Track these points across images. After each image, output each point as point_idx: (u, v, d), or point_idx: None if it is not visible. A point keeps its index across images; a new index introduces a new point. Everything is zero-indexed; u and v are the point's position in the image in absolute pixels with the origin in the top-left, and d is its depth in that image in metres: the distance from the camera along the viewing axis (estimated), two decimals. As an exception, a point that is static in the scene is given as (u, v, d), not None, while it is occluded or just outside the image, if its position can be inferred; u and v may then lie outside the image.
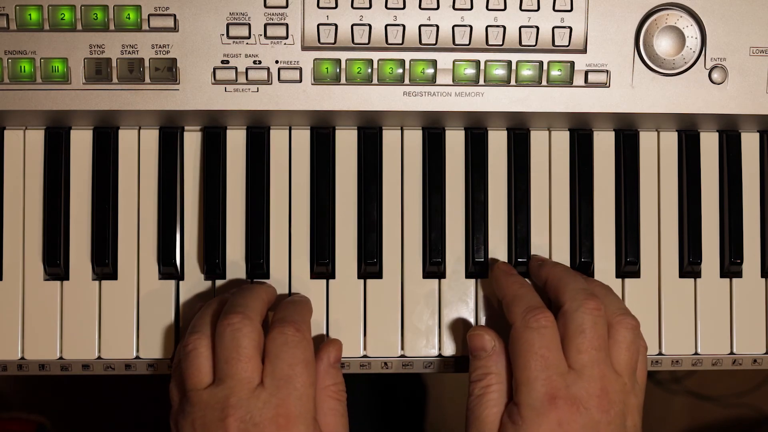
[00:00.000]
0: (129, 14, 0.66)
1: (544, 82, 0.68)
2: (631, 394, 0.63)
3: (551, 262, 0.69)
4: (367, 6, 0.67)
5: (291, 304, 0.66)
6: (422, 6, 0.67)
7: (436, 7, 0.67)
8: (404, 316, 0.71)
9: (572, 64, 0.68)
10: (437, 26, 0.67)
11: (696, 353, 0.72)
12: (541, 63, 0.67)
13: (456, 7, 0.67)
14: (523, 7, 0.67)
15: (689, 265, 0.71)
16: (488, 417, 0.62)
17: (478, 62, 0.67)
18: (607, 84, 0.68)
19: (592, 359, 0.61)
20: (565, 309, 0.63)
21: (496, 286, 0.69)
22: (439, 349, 0.71)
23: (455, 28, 0.67)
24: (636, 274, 0.72)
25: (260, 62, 0.67)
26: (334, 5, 0.67)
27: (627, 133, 0.72)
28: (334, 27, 0.67)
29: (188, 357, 0.62)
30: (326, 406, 0.63)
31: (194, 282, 0.70)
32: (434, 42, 0.67)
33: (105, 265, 0.69)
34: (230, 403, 0.59)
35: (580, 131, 0.72)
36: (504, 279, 0.68)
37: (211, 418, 0.59)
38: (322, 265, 0.70)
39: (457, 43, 0.67)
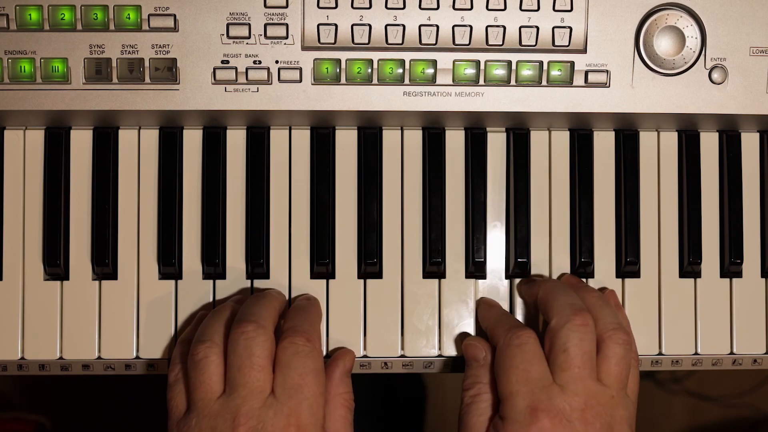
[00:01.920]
0: (129, 14, 0.66)
1: (544, 82, 0.68)
2: (620, 406, 0.62)
3: (541, 281, 0.69)
4: (367, 6, 0.67)
5: (301, 312, 0.66)
6: (422, 6, 0.67)
7: (436, 7, 0.67)
8: (404, 316, 0.71)
9: (572, 64, 0.68)
10: (437, 26, 0.67)
11: (696, 353, 0.72)
12: (541, 63, 0.67)
13: (456, 7, 0.67)
14: (523, 7, 0.67)
15: (689, 265, 0.71)
16: (476, 425, 0.64)
17: (478, 62, 0.67)
18: (607, 84, 0.68)
19: (575, 376, 0.62)
20: (552, 325, 0.64)
21: (480, 318, 0.70)
22: (439, 349, 0.71)
23: (455, 28, 0.67)
24: (636, 274, 0.72)
25: (260, 62, 0.67)
26: (334, 5, 0.67)
27: (627, 133, 0.72)
28: (334, 27, 0.67)
29: (198, 365, 0.61)
30: (337, 413, 0.64)
31: (194, 282, 0.70)
32: (434, 42, 0.67)
33: (105, 265, 0.69)
34: (242, 412, 0.59)
35: (580, 131, 0.72)
36: (487, 310, 0.70)
37: (221, 429, 0.59)
38: (322, 265, 0.70)
39: (457, 43, 0.67)
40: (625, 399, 0.63)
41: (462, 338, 0.70)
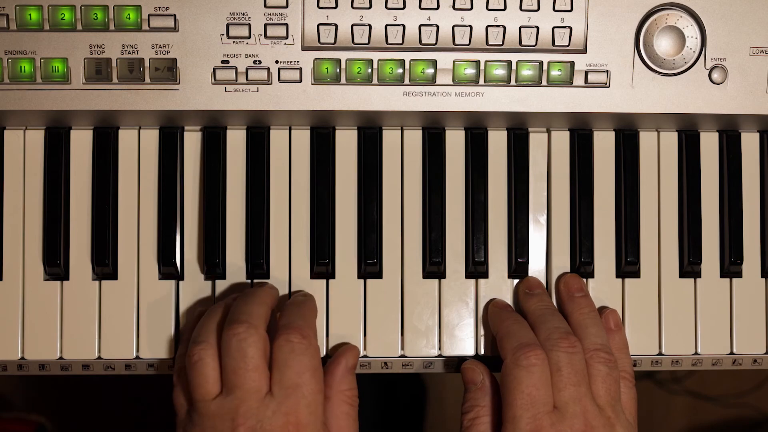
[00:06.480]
0: (129, 14, 0.66)
1: (544, 82, 0.68)
2: (617, 425, 0.63)
3: (535, 297, 0.69)
4: (367, 6, 0.67)
5: (295, 308, 0.66)
6: (422, 6, 0.67)
7: (436, 7, 0.67)
8: (404, 316, 0.71)
9: (572, 64, 0.68)
10: (437, 26, 0.67)
11: (696, 353, 0.72)
12: (541, 63, 0.67)
13: (456, 7, 0.67)
14: (523, 7, 0.67)
15: (689, 265, 0.71)
16: None
17: (478, 62, 0.67)
18: (607, 84, 0.68)
19: (572, 395, 0.62)
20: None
21: (491, 322, 0.70)
22: (439, 349, 0.71)
23: (455, 28, 0.67)
24: (636, 274, 0.72)
25: (260, 62, 0.67)
26: (334, 5, 0.67)
27: (627, 133, 0.72)
28: (334, 27, 0.67)
29: (194, 368, 0.61)
30: (340, 410, 0.64)
31: (194, 282, 0.70)
32: (434, 42, 0.67)
33: (105, 265, 0.69)
34: (240, 412, 0.59)
35: (580, 131, 0.72)
36: (498, 315, 0.69)
37: (221, 429, 0.59)
38: (322, 265, 0.70)
39: (457, 43, 0.67)
40: (621, 418, 0.63)
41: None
